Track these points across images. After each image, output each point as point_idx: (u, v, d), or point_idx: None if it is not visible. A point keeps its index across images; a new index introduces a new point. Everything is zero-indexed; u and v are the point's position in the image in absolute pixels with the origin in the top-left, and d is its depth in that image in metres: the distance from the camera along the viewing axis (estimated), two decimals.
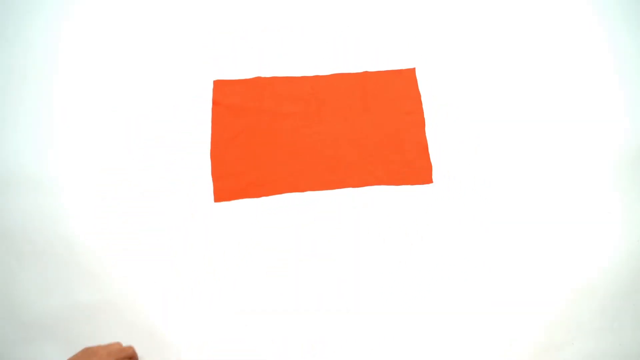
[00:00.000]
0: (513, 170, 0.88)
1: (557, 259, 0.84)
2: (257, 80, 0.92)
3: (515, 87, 0.93)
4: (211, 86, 0.91)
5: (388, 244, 0.84)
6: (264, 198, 0.86)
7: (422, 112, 0.91)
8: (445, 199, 0.87)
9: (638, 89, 0.93)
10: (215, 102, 0.90)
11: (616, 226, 0.86)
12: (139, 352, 0.77)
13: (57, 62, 0.92)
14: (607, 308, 0.82)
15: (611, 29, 0.97)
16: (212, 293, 0.81)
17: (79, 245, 0.82)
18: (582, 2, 0.99)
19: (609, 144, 0.89)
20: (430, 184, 0.88)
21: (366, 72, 0.93)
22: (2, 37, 0.93)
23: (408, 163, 0.89)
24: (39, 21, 0.95)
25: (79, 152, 0.87)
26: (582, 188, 0.87)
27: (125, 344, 0.65)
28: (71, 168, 0.86)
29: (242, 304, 0.81)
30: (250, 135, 0.90)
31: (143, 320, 0.79)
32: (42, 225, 0.83)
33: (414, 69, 0.94)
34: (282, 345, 0.79)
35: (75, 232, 0.83)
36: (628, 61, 0.95)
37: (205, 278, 0.82)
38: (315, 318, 0.80)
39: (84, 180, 0.85)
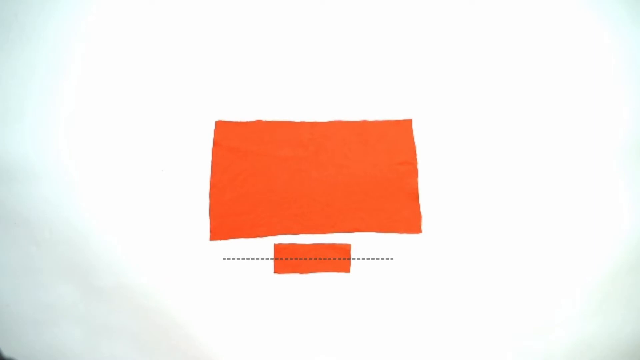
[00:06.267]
0: (502, 228, 0.91)
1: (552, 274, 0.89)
2: (258, 124, 0.95)
3: (508, 143, 0.95)
4: (213, 126, 0.94)
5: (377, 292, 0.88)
6: (258, 239, 0.90)
7: (416, 163, 0.94)
8: (432, 249, 0.90)
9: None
10: (216, 143, 0.93)
11: (602, 215, 0.91)
12: (151, 334, 0.83)
13: (64, 88, 0.95)
14: (595, 291, 0.87)
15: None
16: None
17: (94, 234, 0.87)
18: (576, 55, 1.01)
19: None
20: (419, 234, 0.91)
21: (365, 120, 0.96)
22: (24, 34, 0.96)
23: (398, 212, 0.92)
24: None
25: (95, 154, 0.92)
26: (574, 239, 0.91)
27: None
28: (88, 165, 0.91)
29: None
30: (249, 177, 0.92)
31: (154, 303, 0.84)
32: (60, 215, 0.88)
33: (410, 120, 0.96)
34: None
35: (90, 222, 0.88)
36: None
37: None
38: None
39: (98, 181, 0.91)
